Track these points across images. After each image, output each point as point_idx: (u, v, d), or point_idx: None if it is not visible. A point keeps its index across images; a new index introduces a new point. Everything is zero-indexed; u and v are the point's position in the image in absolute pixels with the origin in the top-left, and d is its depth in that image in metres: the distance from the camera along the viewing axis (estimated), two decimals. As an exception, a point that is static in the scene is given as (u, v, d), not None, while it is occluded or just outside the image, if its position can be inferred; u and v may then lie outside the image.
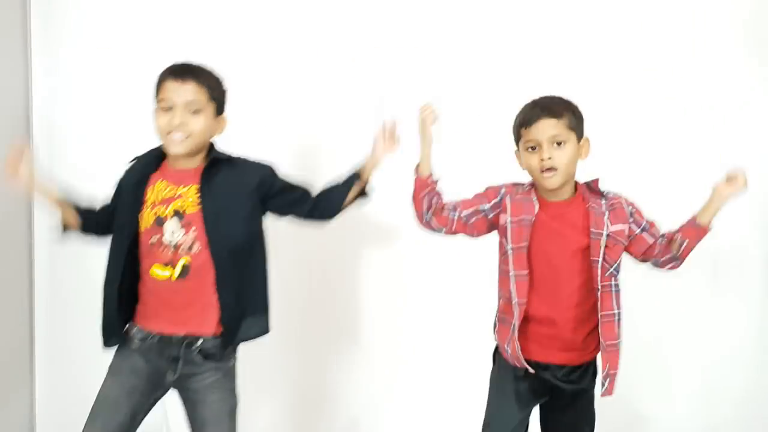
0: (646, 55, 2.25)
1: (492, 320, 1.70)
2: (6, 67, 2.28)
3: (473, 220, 1.62)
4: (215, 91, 1.56)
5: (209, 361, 1.55)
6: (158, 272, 1.53)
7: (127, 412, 1.54)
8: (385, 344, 2.36)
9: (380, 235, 2.30)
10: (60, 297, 2.36)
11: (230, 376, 1.61)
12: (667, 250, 1.59)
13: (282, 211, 1.64)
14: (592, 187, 1.60)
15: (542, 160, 1.51)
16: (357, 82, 2.29)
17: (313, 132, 2.31)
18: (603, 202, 1.57)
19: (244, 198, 1.56)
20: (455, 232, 1.63)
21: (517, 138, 1.59)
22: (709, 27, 2.24)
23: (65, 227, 1.64)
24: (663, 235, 1.61)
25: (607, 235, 1.53)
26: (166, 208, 1.52)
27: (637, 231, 1.59)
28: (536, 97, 1.59)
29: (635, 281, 2.21)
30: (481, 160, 2.17)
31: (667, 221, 2.19)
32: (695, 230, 1.55)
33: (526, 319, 1.57)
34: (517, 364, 1.58)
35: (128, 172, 1.62)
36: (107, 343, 1.59)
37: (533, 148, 1.53)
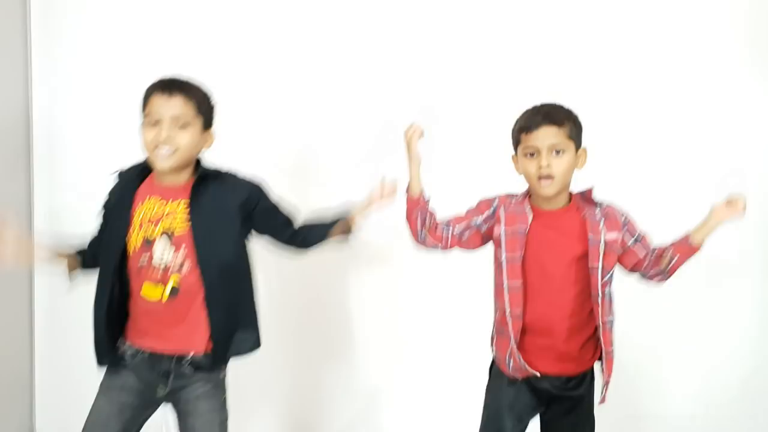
0: (644, 56, 2.23)
1: (489, 332, 1.69)
2: (6, 68, 2.27)
3: (467, 234, 1.61)
4: (203, 105, 1.53)
5: (199, 372, 1.54)
6: (148, 292, 1.51)
7: (118, 429, 1.54)
8: (380, 351, 2.35)
9: (377, 241, 2.25)
10: (60, 304, 2.35)
11: (220, 387, 1.60)
12: (656, 264, 1.59)
13: (263, 230, 1.63)
14: (585, 196, 1.60)
15: (540, 167, 1.50)
16: (352, 96, 2.29)
17: (307, 147, 2.31)
18: (597, 210, 1.57)
19: (232, 215, 1.54)
20: (450, 248, 1.62)
21: (516, 142, 1.58)
22: (708, 28, 2.22)
23: (70, 272, 1.62)
24: (654, 249, 1.61)
25: (605, 242, 1.53)
26: (155, 229, 1.50)
27: (630, 241, 1.59)
28: (538, 102, 1.58)
29: (634, 282, 2.23)
30: (478, 166, 2.17)
31: (666, 222, 2.19)
32: (686, 248, 1.55)
33: (522, 331, 1.56)
34: (519, 376, 1.58)
35: (113, 192, 1.60)
36: (100, 362, 1.58)
37: (532, 154, 1.53)
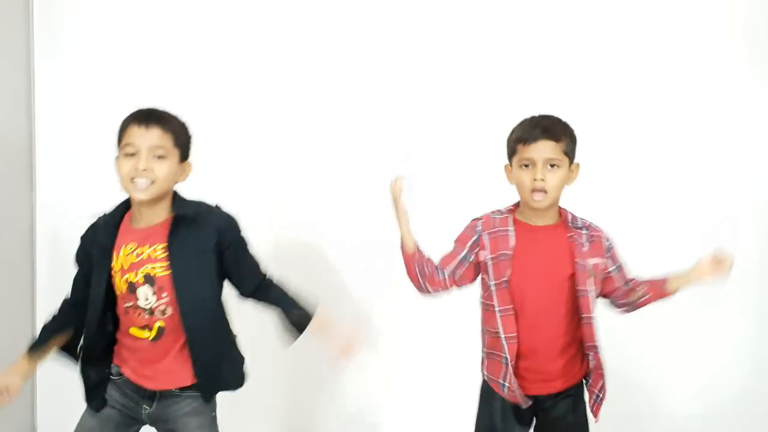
0: (641, 60, 2.25)
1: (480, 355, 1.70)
2: (8, 68, 2.28)
3: (459, 272, 1.62)
4: (180, 137, 1.52)
5: (187, 390, 1.55)
6: (138, 334, 1.52)
7: None
8: (379, 354, 2.25)
9: (377, 242, 2.28)
10: (60, 299, 2.35)
11: (210, 403, 1.60)
12: (627, 296, 1.62)
13: (227, 273, 1.58)
14: (572, 218, 1.61)
15: (535, 179, 1.51)
16: (351, 101, 2.30)
17: (307, 152, 2.33)
18: (584, 233, 1.58)
19: (209, 256, 1.53)
20: (450, 289, 1.64)
21: (512, 153, 1.58)
22: (706, 29, 2.24)
23: (63, 352, 1.63)
24: (629, 280, 1.63)
25: (592, 266, 1.55)
26: (136, 275, 1.49)
27: (611, 268, 1.61)
28: (536, 114, 1.59)
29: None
30: (474, 176, 2.20)
31: (665, 223, 2.24)
32: (660, 291, 1.59)
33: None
34: (513, 401, 1.59)
35: (89, 238, 1.58)
36: (91, 406, 1.58)
37: (526, 166, 1.53)
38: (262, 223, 2.25)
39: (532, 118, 1.56)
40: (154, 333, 1.51)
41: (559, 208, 1.61)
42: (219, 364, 1.56)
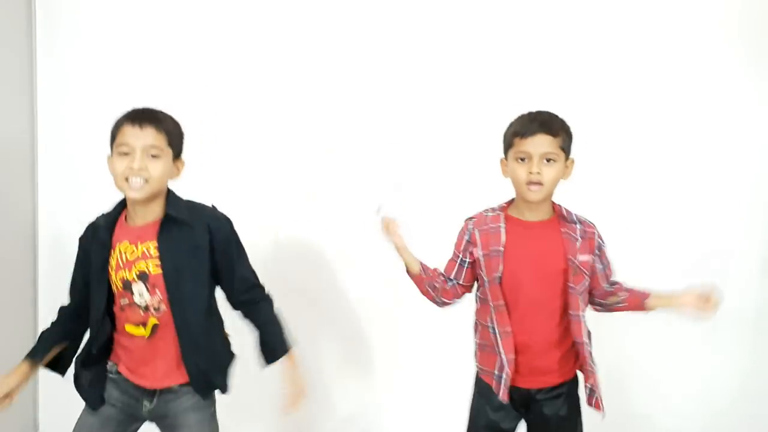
0: (638, 60, 2.25)
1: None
2: (11, 69, 2.29)
3: (462, 276, 1.66)
4: (173, 136, 1.53)
5: (186, 386, 1.56)
6: (132, 330, 1.54)
7: None
8: (379, 354, 2.39)
9: (377, 242, 2.33)
10: (63, 301, 2.38)
11: (209, 399, 1.61)
12: (605, 297, 1.64)
13: (218, 275, 1.59)
14: (566, 212, 1.61)
15: (531, 173, 1.52)
16: (348, 100, 2.32)
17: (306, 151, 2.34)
18: (578, 227, 1.59)
19: (201, 255, 1.53)
20: (463, 295, 1.68)
21: (508, 146, 1.59)
22: (702, 29, 2.24)
23: (59, 364, 1.65)
24: (612, 283, 1.65)
25: (580, 263, 1.56)
26: (131, 272, 1.51)
27: (598, 267, 1.61)
28: (533, 109, 1.60)
29: (635, 278, 2.25)
30: (471, 173, 2.20)
31: (660, 222, 2.23)
32: (638, 304, 1.62)
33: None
34: (499, 394, 1.59)
35: (87, 238, 1.59)
36: (89, 404, 1.60)
37: (523, 159, 1.54)
38: (261, 222, 2.28)
39: (530, 113, 1.58)
40: (149, 330, 1.52)
41: (553, 203, 1.62)
42: (211, 364, 1.57)
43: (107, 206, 1.62)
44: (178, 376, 1.55)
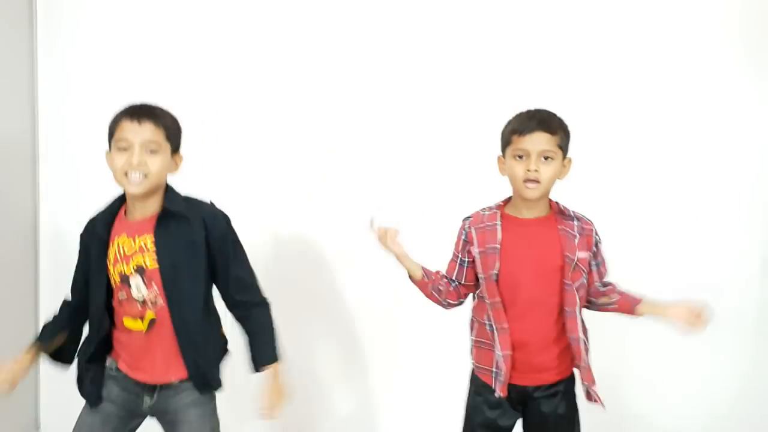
0: (637, 57, 2.25)
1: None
2: (12, 67, 2.30)
3: (463, 277, 1.66)
4: (171, 131, 1.55)
5: (185, 382, 1.56)
6: (130, 324, 1.54)
7: None
8: (378, 353, 2.39)
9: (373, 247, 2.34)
10: (63, 296, 2.38)
11: (210, 394, 1.61)
12: (596, 296, 1.64)
13: (214, 272, 1.58)
14: (563, 209, 1.62)
15: (528, 170, 1.52)
16: (347, 100, 2.32)
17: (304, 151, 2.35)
18: (575, 224, 1.59)
19: (197, 250, 1.53)
20: (467, 295, 1.68)
21: (506, 144, 1.59)
22: (701, 29, 2.24)
23: (61, 356, 1.65)
24: (605, 283, 1.65)
25: (578, 260, 1.55)
26: (128, 265, 1.52)
27: (593, 265, 1.62)
28: (531, 107, 1.60)
29: (635, 278, 2.24)
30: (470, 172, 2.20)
31: (657, 222, 2.23)
32: (628, 308, 1.62)
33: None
34: (497, 389, 1.59)
35: (89, 232, 1.60)
36: (89, 401, 1.60)
37: (521, 157, 1.54)
38: (261, 222, 2.29)
39: (528, 111, 1.58)
40: (146, 324, 1.53)
41: (550, 200, 1.62)
42: (207, 360, 1.57)
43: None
44: (176, 371, 1.55)
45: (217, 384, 1.60)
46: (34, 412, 2.44)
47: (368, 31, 2.30)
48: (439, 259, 2.25)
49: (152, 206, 1.55)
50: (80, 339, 1.64)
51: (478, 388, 1.66)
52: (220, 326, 1.66)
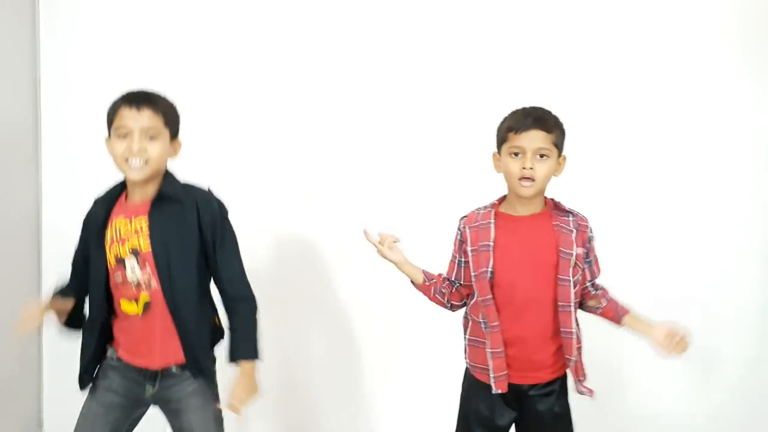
0: (634, 57, 2.26)
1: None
2: (15, 68, 2.29)
3: (462, 277, 1.67)
4: (169, 116, 1.57)
5: (188, 370, 1.57)
6: (126, 307, 1.55)
7: (106, 429, 1.58)
8: (377, 352, 2.39)
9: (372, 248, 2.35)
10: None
11: (212, 381, 1.61)
12: (585, 297, 1.65)
13: (207, 259, 1.58)
14: (558, 205, 1.62)
15: (524, 168, 1.52)
16: (345, 99, 2.33)
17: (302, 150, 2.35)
18: (570, 219, 1.59)
19: (190, 233, 1.54)
20: (470, 296, 1.68)
21: (502, 141, 1.59)
22: (699, 27, 2.24)
23: (68, 320, 1.64)
24: (597, 286, 1.66)
25: (575, 255, 1.55)
26: (124, 247, 1.53)
27: (585, 262, 1.61)
28: (527, 105, 1.60)
29: (634, 282, 2.19)
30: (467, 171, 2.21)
31: (664, 223, 2.24)
32: (614, 317, 1.64)
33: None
34: (494, 385, 1.59)
35: (91, 214, 1.62)
36: (82, 386, 1.62)
37: (516, 154, 1.54)
38: (259, 223, 2.29)
39: (524, 109, 1.58)
40: (141, 307, 1.54)
41: (545, 197, 1.62)
42: (200, 346, 1.57)
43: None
44: (174, 356, 1.56)
45: (207, 371, 1.58)
46: (36, 411, 2.45)
47: (367, 30, 2.31)
48: (438, 259, 2.27)
49: (151, 190, 1.57)
50: (84, 309, 1.64)
51: (473, 387, 1.66)
52: (215, 315, 1.66)
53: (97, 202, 1.62)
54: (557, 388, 1.62)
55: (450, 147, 2.29)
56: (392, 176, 2.33)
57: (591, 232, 1.61)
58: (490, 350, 1.58)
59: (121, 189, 1.61)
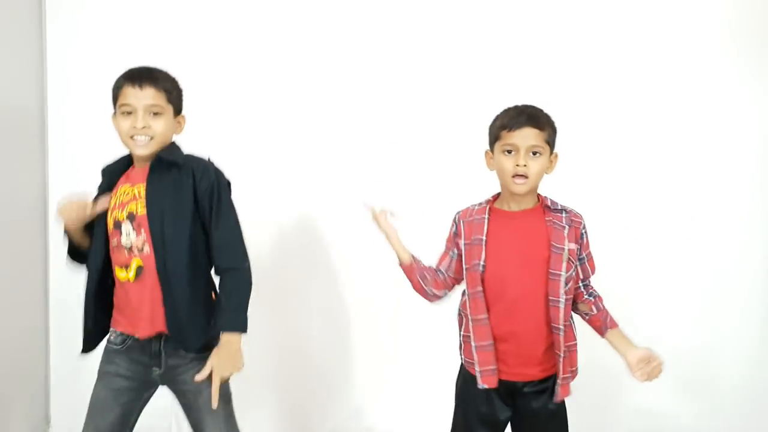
0: (631, 57, 2.27)
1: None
2: (21, 63, 2.30)
3: (454, 268, 1.68)
4: (172, 93, 1.60)
5: (192, 352, 1.57)
6: (119, 272, 1.57)
7: (117, 412, 1.59)
8: (376, 351, 2.40)
9: (376, 243, 2.34)
10: (74, 296, 2.33)
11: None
12: (578, 299, 1.65)
13: (203, 227, 1.59)
14: (551, 202, 1.62)
15: (517, 165, 1.54)
16: (344, 97, 2.35)
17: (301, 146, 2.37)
18: (563, 216, 1.59)
19: (184, 198, 1.55)
20: (454, 287, 1.70)
21: (495, 139, 1.60)
22: (699, 29, 2.26)
23: (78, 252, 1.66)
24: (591, 292, 1.66)
25: (567, 251, 1.55)
26: (122, 212, 1.57)
27: (578, 260, 1.62)
28: (519, 103, 1.62)
29: (634, 278, 2.25)
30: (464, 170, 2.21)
31: (665, 223, 2.24)
32: (598, 327, 1.65)
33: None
34: (479, 380, 1.59)
35: (101, 185, 1.65)
36: (85, 350, 1.64)
37: (509, 152, 1.56)
38: (261, 220, 2.28)
39: (516, 107, 1.60)
40: (133, 272, 1.55)
41: (538, 195, 1.63)
42: (187, 318, 1.55)
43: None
44: (162, 326, 1.56)
45: (192, 346, 1.56)
46: (44, 408, 2.46)
47: (365, 30, 2.33)
48: (433, 256, 2.29)
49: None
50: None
51: (468, 383, 1.66)
52: (212, 289, 1.65)
53: (104, 171, 1.66)
54: (551, 387, 1.61)
55: (451, 147, 2.30)
56: (395, 175, 2.34)
57: (584, 228, 1.61)
58: (474, 344, 1.59)
59: (129, 160, 1.65)
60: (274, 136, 2.36)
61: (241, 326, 1.54)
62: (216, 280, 1.64)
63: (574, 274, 1.59)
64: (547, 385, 1.61)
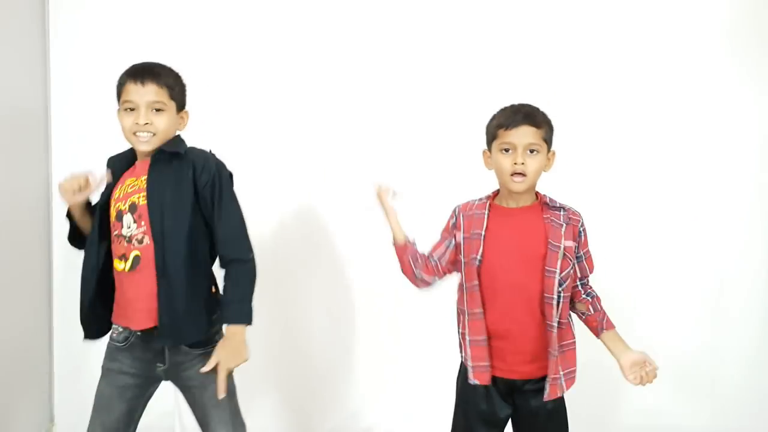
0: (629, 57, 2.28)
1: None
2: (24, 62, 2.31)
3: (447, 258, 1.68)
4: (175, 89, 1.61)
5: (196, 348, 1.58)
6: (118, 265, 1.57)
7: (123, 409, 1.60)
8: (376, 350, 2.41)
9: (376, 243, 2.28)
10: (77, 289, 2.35)
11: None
12: (575, 297, 1.65)
13: (205, 219, 1.59)
14: (550, 200, 1.63)
15: (515, 163, 1.55)
16: (345, 96, 2.36)
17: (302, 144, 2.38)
18: (561, 213, 1.60)
19: (185, 189, 1.55)
20: (444, 275, 1.70)
21: (492, 138, 1.61)
22: (699, 29, 2.26)
23: (80, 236, 1.67)
24: (589, 292, 1.66)
25: (564, 248, 1.56)
26: (125, 203, 1.57)
27: (576, 256, 1.62)
28: (515, 102, 1.63)
29: (634, 278, 2.25)
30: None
31: (666, 223, 2.24)
32: (594, 327, 1.65)
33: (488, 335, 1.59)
34: (470, 375, 1.59)
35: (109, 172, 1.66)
36: (86, 335, 1.65)
37: (507, 150, 1.57)
38: (262, 220, 2.28)
39: (513, 106, 1.61)
40: (130, 263, 1.55)
41: (537, 192, 1.64)
42: (184, 311, 1.54)
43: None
44: (156, 318, 1.55)
45: (187, 339, 1.56)
46: (48, 407, 2.46)
47: (366, 23, 2.34)
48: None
49: None
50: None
51: (468, 383, 1.65)
52: (212, 287, 1.65)
53: (109, 162, 1.67)
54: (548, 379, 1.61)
55: (451, 146, 2.31)
56: (393, 170, 2.32)
57: (582, 226, 1.62)
58: (469, 338, 1.60)
59: (134, 154, 1.66)
60: (277, 130, 2.37)
61: (246, 318, 1.54)
62: (219, 274, 1.64)
63: (571, 272, 1.59)
64: (545, 383, 1.61)
